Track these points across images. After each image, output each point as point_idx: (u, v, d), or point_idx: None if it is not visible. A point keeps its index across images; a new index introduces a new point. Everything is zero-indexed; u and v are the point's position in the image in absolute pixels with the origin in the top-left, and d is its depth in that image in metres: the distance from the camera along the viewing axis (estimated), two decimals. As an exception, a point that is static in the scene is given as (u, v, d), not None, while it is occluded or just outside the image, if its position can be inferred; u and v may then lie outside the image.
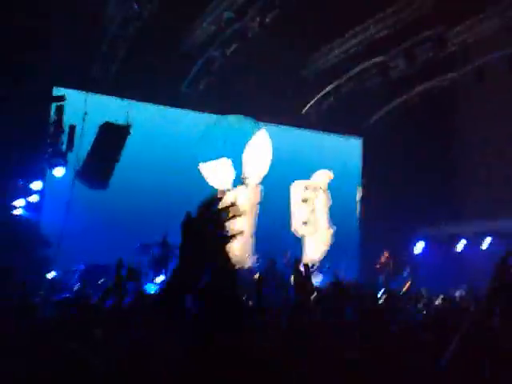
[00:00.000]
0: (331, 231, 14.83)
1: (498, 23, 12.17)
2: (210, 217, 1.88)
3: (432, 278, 11.22)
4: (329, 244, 14.70)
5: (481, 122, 14.37)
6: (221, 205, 1.84)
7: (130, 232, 11.53)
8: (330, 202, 15.09)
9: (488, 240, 13.32)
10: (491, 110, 14.00)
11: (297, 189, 15.00)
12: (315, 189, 15.19)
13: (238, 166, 13.86)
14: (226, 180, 14.03)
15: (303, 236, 14.81)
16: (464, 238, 13.65)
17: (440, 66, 13.60)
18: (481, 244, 13.34)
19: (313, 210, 15.08)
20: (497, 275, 2.60)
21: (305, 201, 15.03)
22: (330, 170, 14.96)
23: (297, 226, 14.76)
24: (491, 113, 14.01)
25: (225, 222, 1.85)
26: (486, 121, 14.18)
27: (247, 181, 14.28)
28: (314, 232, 14.91)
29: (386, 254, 13.14)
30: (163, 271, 11.23)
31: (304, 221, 14.88)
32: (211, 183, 13.68)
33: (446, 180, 14.53)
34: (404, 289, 9.59)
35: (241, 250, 12.72)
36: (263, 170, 14.46)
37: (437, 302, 7.84)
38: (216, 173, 13.84)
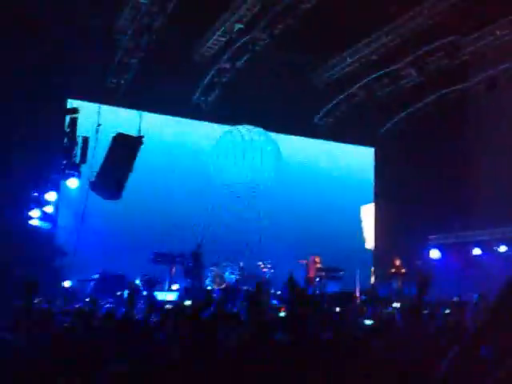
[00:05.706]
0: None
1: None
2: None
3: (448, 284, 11.21)
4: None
5: (491, 131, 14.32)
6: None
7: (142, 241, 11.62)
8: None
9: (503, 247, 13.29)
10: (501, 119, 13.97)
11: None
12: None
13: (249, 174, 13.84)
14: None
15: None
16: (478, 245, 13.59)
17: (452, 74, 13.57)
18: (495, 251, 13.30)
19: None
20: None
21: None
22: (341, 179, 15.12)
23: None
24: (501, 122, 13.97)
25: None
26: (497, 130, 14.14)
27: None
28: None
29: (398, 261, 13.10)
30: (192, 280, 11.50)
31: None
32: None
33: (457, 188, 14.44)
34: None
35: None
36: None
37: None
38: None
